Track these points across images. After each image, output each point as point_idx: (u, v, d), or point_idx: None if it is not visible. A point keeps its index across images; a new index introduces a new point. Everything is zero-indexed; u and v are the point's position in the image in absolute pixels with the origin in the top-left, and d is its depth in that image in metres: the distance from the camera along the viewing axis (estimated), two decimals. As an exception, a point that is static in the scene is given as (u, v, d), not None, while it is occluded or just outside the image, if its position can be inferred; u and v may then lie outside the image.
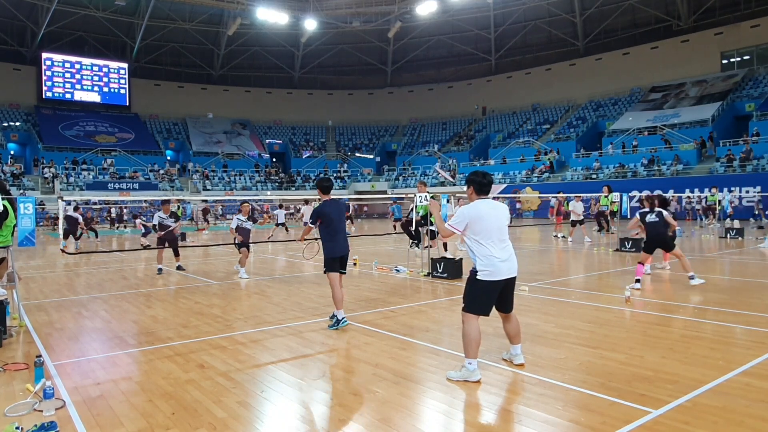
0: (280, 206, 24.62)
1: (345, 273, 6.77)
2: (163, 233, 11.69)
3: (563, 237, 18.74)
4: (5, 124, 43.55)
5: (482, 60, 52.80)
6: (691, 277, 8.86)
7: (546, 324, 6.38)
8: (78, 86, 47.47)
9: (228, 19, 47.70)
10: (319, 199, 6.80)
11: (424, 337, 5.91)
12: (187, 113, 51.91)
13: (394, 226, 13.26)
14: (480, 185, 4.62)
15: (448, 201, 12.79)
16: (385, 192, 46.84)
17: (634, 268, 11.23)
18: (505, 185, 40.60)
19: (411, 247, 13.39)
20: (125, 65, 49.13)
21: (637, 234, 12.14)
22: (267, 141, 53.54)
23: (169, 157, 48.42)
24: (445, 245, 12.89)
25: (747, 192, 28.71)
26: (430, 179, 45.44)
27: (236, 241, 11.14)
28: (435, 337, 5.94)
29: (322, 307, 7.68)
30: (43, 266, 13.54)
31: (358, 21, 48.07)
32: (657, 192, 29.32)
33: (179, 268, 11.96)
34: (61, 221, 9.70)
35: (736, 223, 20.94)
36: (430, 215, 11.47)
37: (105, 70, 48.35)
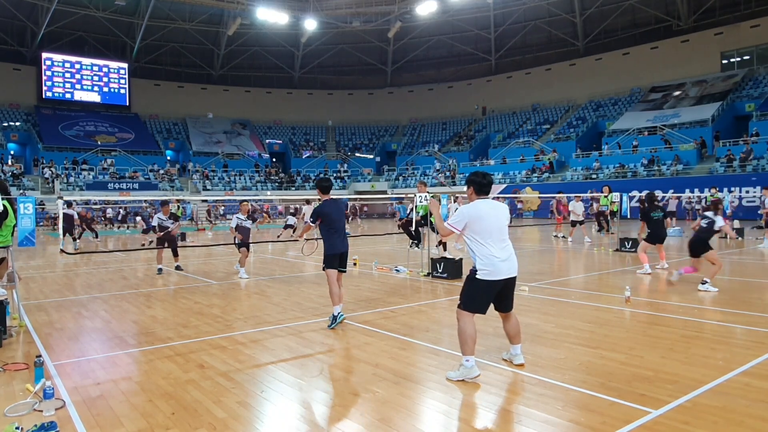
0: (292, 214, 25.50)
1: (345, 272, 6.78)
2: (161, 234, 11.74)
3: (563, 237, 18.74)
4: (5, 124, 43.53)
5: (482, 60, 52.80)
6: (680, 273, 9.14)
7: (546, 324, 6.38)
8: (78, 86, 47.45)
9: (228, 19, 47.69)
10: (320, 199, 6.83)
11: (424, 337, 5.91)
12: (187, 113, 51.91)
13: (399, 226, 13.33)
14: (480, 185, 4.65)
15: (448, 201, 12.80)
16: (385, 192, 46.84)
17: (633, 268, 11.24)
18: (505, 185, 40.60)
19: (411, 247, 13.40)
20: (125, 65, 49.11)
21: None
22: (267, 141, 53.54)
23: (169, 157, 48.40)
24: (444, 245, 12.89)
25: (747, 192, 28.71)
26: (430, 179, 45.46)
27: (236, 241, 11.14)
28: (435, 337, 5.94)
29: (322, 307, 7.68)
30: (43, 266, 13.54)
31: (358, 21, 48.06)
32: (657, 191, 29.37)
33: (178, 268, 11.97)
34: (60, 221, 9.68)
35: (736, 223, 20.93)
36: (430, 215, 11.47)
37: (105, 70, 48.33)
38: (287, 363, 5.12)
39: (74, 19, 44.95)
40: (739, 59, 40.07)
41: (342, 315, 6.43)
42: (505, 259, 4.55)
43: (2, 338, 5.77)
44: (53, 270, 12.81)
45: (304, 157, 52.56)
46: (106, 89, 48.58)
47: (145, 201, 31.28)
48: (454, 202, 14.80)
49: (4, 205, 6.06)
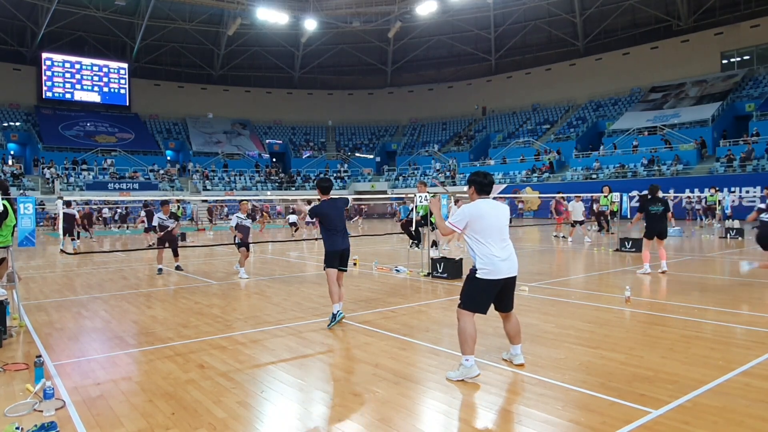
0: (293, 212, 25.47)
1: (345, 270, 6.77)
2: (162, 234, 11.73)
3: (563, 237, 18.74)
4: (5, 124, 43.53)
5: (482, 60, 52.80)
6: (752, 266, 9.34)
7: (546, 324, 6.38)
8: (78, 86, 47.44)
9: (228, 19, 47.68)
10: (320, 199, 6.84)
11: (424, 337, 5.91)
12: (187, 113, 51.91)
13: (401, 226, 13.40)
14: (481, 185, 4.68)
15: (448, 201, 12.81)
16: (385, 192, 46.85)
17: (633, 268, 11.24)
18: (505, 185, 40.59)
19: (411, 247, 13.40)
20: (125, 65, 49.11)
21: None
22: (267, 141, 53.54)
23: (169, 157, 48.41)
24: (434, 243, 12.87)
25: (747, 192, 28.72)
26: (429, 180, 45.46)
27: (236, 240, 11.14)
28: (435, 337, 5.94)
29: (322, 307, 7.68)
30: (43, 266, 13.54)
31: (358, 21, 48.06)
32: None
33: (178, 268, 11.97)
34: (60, 221, 9.69)
35: (736, 223, 20.93)
36: (431, 214, 11.47)
37: (105, 70, 48.33)
38: (287, 363, 5.12)
39: (74, 19, 44.95)
40: (739, 59, 40.07)
41: (341, 314, 6.44)
42: (505, 258, 4.56)
43: (2, 338, 5.77)
44: (53, 270, 12.81)
45: (304, 157, 52.57)
46: (106, 89, 48.57)
47: (145, 201, 31.26)
48: (455, 203, 14.78)
49: (4, 205, 6.06)
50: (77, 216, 19.26)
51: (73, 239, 18.67)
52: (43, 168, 40.35)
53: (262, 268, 12.70)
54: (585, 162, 38.87)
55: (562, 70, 48.17)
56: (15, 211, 6.54)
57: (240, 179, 47.22)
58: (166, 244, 11.82)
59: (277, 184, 47.89)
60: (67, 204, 18.69)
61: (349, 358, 5.23)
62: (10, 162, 39.83)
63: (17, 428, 3.51)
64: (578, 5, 45.55)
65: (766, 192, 16.95)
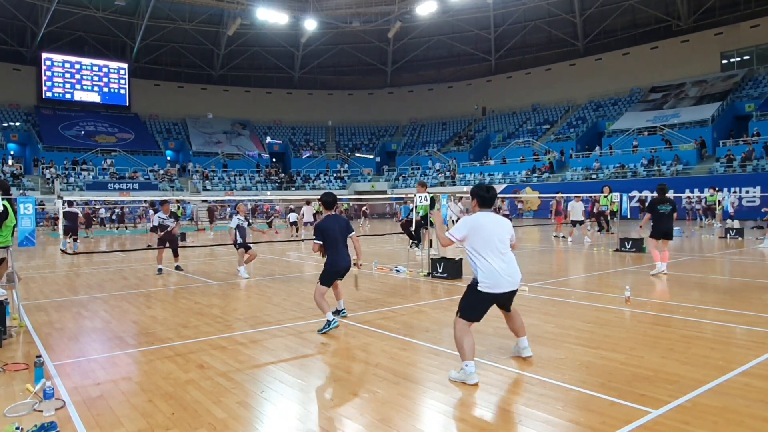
0: (291, 210, 25.50)
1: (341, 279, 6.73)
2: (162, 233, 11.71)
3: (563, 237, 18.74)
4: (5, 124, 43.54)
5: (482, 60, 52.80)
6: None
7: (546, 324, 6.38)
8: (78, 86, 47.45)
9: (228, 19, 47.68)
10: (321, 212, 6.85)
11: (424, 337, 5.91)
12: (187, 113, 51.91)
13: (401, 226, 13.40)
14: (483, 199, 4.75)
15: (447, 200, 12.80)
16: (384, 192, 46.86)
17: (633, 268, 11.25)
18: (505, 185, 40.59)
19: (411, 247, 13.40)
20: (125, 65, 49.12)
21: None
22: (267, 141, 53.54)
23: (169, 157, 48.41)
24: (418, 241, 12.86)
25: (747, 192, 28.72)
26: (429, 180, 45.45)
27: (238, 240, 11.19)
28: (435, 337, 5.94)
29: (322, 307, 7.68)
30: (43, 266, 13.54)
31: (358, 21, 48.06)
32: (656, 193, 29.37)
33: (178, 268, 11.95)
34: (60, 221, 9.70)
35: (736, 223, 20.94)
36: (431, 222, 11.48)
37: (105, 70, 48.33)
38: (287, 363, 5.12)
39: (74, 19, 44.95)
40: (739, 59, 40.08)
41: (336, 322, 6.21)
42: (507, 272, 4.59)
43: (2, 338, 5.77)
44: (53, 270, 12.81)
45: (304, 157, 52.57)
46: (106, 89, 48.58)
47: (145, 201, 31.29)
48: (458, 203, 14.78)
49: (4, 206, 6.05)
50: (80, 215, 19.15)
51: (75, 239, 18.57)
52: (43, 168, 40.35)
53: (262, 268, 12.70)
54: (585, 162, 38.87)
55: (562, 70, 48.18)
56: (15, 211, 6.54)
57: (240, 179, 47.22)
58: (166, 245, 11.81)
59: (276, 185, 47.89)
60: (69, 203, 18.69)
61: (349, 358, 5.23)
62: (10, 162, 39.81)
63: (17, 428, 3.51)
64: (578, 5, 45.55)
65: None
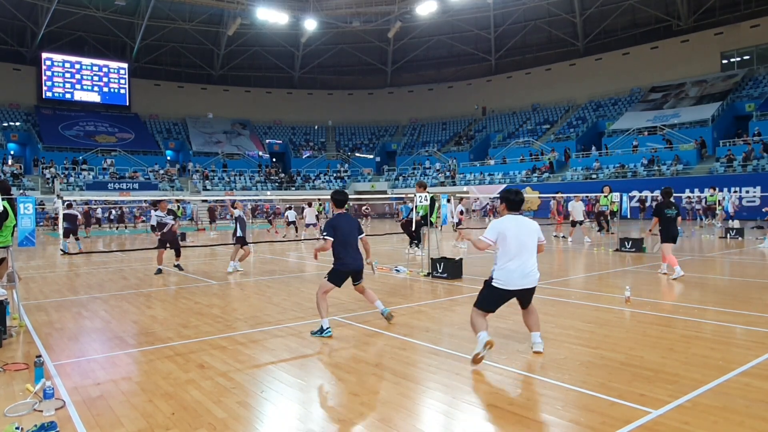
0: (289, 208, 25.23)
1: (360, 282, 6.49)
2: (162, 232, 11.64)
3: (563, 237, 18.74)
4: (5, 124, 43.54)
5: (482, 60, 52.80)
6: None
7: (546, 324, 6.38)
8: (78, 86, 47.45)
9: (228, 19, 47.69)
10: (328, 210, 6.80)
11: (424, 337, 5.91)
12: (187, 113, 51.91)
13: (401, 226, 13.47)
14: (511, 202, 5.13)
15: (448, 201, 12.80)
16: (385, 192, 46.85)
17: (633, 268, 11.25)
18: (505, 185, 40.58)
19: (411, 246, 13.40)
20: (125, 65, 49.12)
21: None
22: (267, 141, 53.54)
23: (169, 157, 48.40)
24: (418, 241, 12.84)
25: (747, 192, 28.72)
26: (429, 180, 45.47)
27: (238, 233, 11.73)
28: (435, 337, 5.94)
29: (322, 307, 7.68)
30: (43, 266, 13.54)
31: (358, 21, 48.06)
32: (657, 192, 29.36)
33: (177, 267, 11.90)
34: (60, 221, 9.71)
35: (736, 223, 20.94)
36: (431, 214, 11.49)
37: (105, 70, 48.33)
38: (287, 363, 5.12)
39: (74, 19, 44.95)
40: (739, 59, 40.07)
41: (329, 331, 6.03)
42: (521, 272, 4.93)
43: (2, 338, 5.77)
44: (53, 270, 12.81)
45: (304, 157, 52.58)
46: (106, 89, 48.58)
47: (145, 201, 31.29)
48: (459, 204, 14.79)
49: (4, 206, 6.05)
50: (80, 216, 19.15)
51: (78, 239, 18.58)
52: (43, 168, 40.34)
53: (262, 268, 12.70)
54: (585, 162, 38.87)
55: (562, 70, 48.17)
56: (15, 211, 6.54)
57: (240, 179, 47.23)
58: (167, 245, 11.75)
59: (276, 184, 47.89)
60: (69, 205, 18.70)
61: (349, 358, 5.23)
62: (10, 162, 39.81)
63: (17, 428, 3.51)
64: (578, 5, 45.55)
65: None
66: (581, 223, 17.97)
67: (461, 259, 10.48)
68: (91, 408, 4.00)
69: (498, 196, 36.85)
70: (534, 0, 45.67)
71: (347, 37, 51.92)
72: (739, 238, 17.83)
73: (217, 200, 34.10)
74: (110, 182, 40.40)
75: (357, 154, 53.78)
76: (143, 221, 31.79)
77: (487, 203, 40.11)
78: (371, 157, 53.68)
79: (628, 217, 20.24)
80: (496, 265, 5.01)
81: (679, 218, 10.37)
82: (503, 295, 5.00)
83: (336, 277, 6.23)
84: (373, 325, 6.51)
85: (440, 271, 10.22)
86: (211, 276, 11.29)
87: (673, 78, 41.56)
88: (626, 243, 14.51)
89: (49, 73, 45.94)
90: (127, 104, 49.56)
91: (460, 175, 45.71)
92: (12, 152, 42.66)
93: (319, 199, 35.28)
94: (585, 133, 42.91)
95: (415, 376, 4.69)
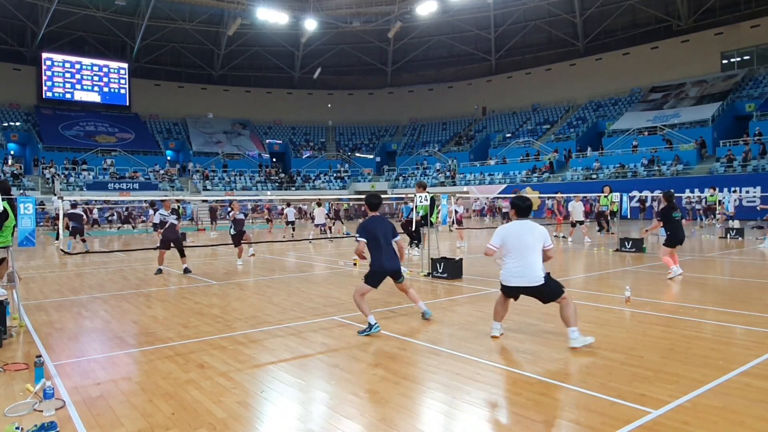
0: (288, 205, 24.59)
1: (402, 281, 6.55)
2: (165, 231, 11.58)
3: (563, 237, 18.74)
4: (5, 124, 43.53)
5: (482, 60, 52.80)
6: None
7: (546, 324, 6.38)
8: (78, 86, 47.44)
9: (228, 19, 47.68)
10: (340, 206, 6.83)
11: (424, 337, 5.91)
12: (187, 113, 51.90)
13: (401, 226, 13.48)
14: (519, 208, 5.64)
15: (447, 201, 12.80)
16: (385, 192, 46.84)
17: (633, 268, 11.25)
18: (505, 185, 40.59)
19: (411, 246, 13.40)
20: (125, 65, 49.11)
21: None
22: (267, 141, 53.54)
23: (169, 157, 48.38)
24: (418, 241, 12.86)
25: (747, 192, 28.71)
26: (429, 180, 45.47)
27: (233, 232, 13.01)
28: (435, 337, 5.94)
29: (322, 307, 7.69)
30: (43, 266, 13.54)
31: (358, 21, 48.06)
32: (657, 192, 29.37)
33: (186, 270, 11.53)
34: (61, 221, 9.71)
35: (736, 223, 20.93)
36: (430, 214, 11.49)
37: (105, 70, 48.32)
38: (287, 363, 5.12)
39: (74, 19, 44.94)
40: (739, 59, 40.07)
41: (377, 326, 6.07)
42: (518, 271, 5.41)
43: (2, 338, 5.77)
44: (53, 270, 12.81)
45: (304, 157, 52.58)
46: (106, 89, 48.57)
47: (145, 201, 31.28)
48: (457, 202, 14.83)
49: (4, 206, 6.05)
50: (84, 217, 19.06)
51: (84, 240, 18.52)
52: (43, 168, 40.33)
53: (262, 268, 12.70)
54: (585, 162, 38.86)
55: (562, 70, 48.17)
56: (15, 212, 6.54)
57: (240, 179, 47.22)
58: (171, 245, 11.65)
59: (277, 184, 47.89)
60: (73, 205, 18.72)
61: (349, 358, 5.23)
62: (10, 162, 39.81)
63: (17, 428, 3.51)
64: (578, 5, 45.55)
65: None
66: (581, 223, 17.98)
67: (461, 259, 10.48)
68: (91, 408, 4.00)
69: (497, 196, 36.77)
70: (534, 0, 45.67)
71: (347, 37, 51.93)
72: (739, 238, 17.83)
73: (216, 200, 34.12)
74: (110, 182, 40.39)
75: (357, 154, 53.79)
76: (143, 221, 31.75)
77: (485, 204, 40.15)
78: (371, 157, 53.69)
79: (628, 217, 20.22)
80: (503, 265, 5.56)
81: (684, 221, 10.31)
82: (509, 290, 5.55)
83: (372, 279, 6.30)
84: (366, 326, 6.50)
85: (440, 271, 10.22)
86: (212, 276, 11.30)
87: (673, 78, 41.56)
88: (626, 243, 14.51)
89: (49, 73, 45.92)
90: (127, 104, 49.55)
91: (460, 175, 45.71)
92: (12, 152, 42.64)
93: (318, 199, 35.27)
94: (585, 133, 42.91)
95: (415, 376, 4.69)
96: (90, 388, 4.46)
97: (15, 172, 38.27)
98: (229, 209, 12.92)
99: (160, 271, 11.56)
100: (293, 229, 23.66)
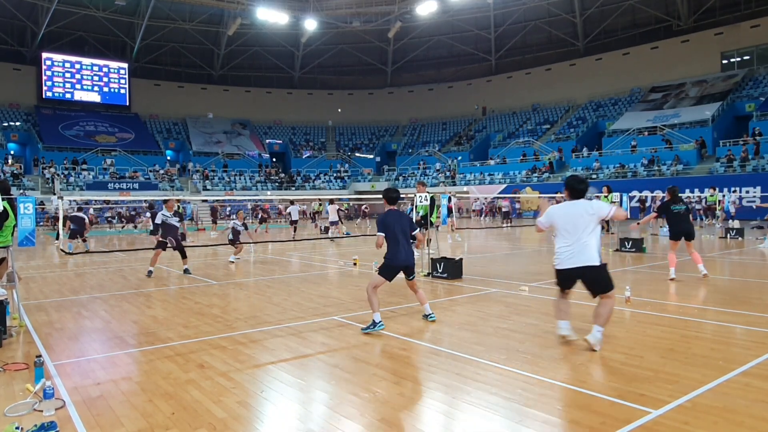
0: (292, 203, 23.93)
1: (413, 278, 6.53)
2: (166, 232, 11.24)
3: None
4: (5, 124, 43.52)
5: (482, 60, 52.80)
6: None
7: (546, 324, 6.38)
8: (78, 86, 47.43)
9: (228, 19, 47.68)
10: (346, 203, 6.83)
11: (424, 337, 5.91)
12: (187, 113, 51.90)
13: None
14: (573, 190, 5.38)
15: (449, 200, 12.81)
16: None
17: (633, 268, 11.24)
18: (505, 185, 40.60)
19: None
20: (125, 65, 49.11)
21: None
22: (267, 141, 53.54)
23: (169, 157, 48.37)
24: (428, 241, 12.88)
25: (747, 192, 28.71)
26: (429, 180, 45.47)
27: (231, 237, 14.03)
28: (435, 337, 5.94)
29: (322, 307, 7.69)
30: (43, 266, 13.54)
31: (358, 21, 48.06)
32: (657, 192, 29.37)
33: (186, 271, 11.41)
34: (61, 221, 9.72)
35: (736, 223, 20.94)
36: (430, 214, 11.49)
37: (105, 70, 48.32)
38: (287, 363, 5.12)
39: (74, 19, 44.94)
40: (739, 59, 40.07)
41: (382, 324, 6.12)
42: (570, 252, 5.23)
43: (2, 338, 5.77)
44: (53, 270, 12.82)
45: (304, 157, 52.58)
46: (106, 89, 48.57)
47: (145, 201, 31.28)
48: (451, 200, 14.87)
49: (4, 206, 6.05)
50: (87, 220, 18.99)
51: (85, 240, 18.50)
52: (43, 168, 40.33)
53: (262, 268, 12.71)
54: (585, 162, 38.87)
55: (562, 70, 48.18)
56: (15, 212, 6.54)
57: (240, 179, 47.23)
58: (165, 247, 11.30)
59: (277, 184, 47.90)
60: (79, 208, 18.74)
61: (349, 358, 5.23)
62: (10, 162, 39.81)
63: (17, 428, 3.52)
64: (578, 5, 45.55)
65: None
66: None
67: (461, 259, 10.48)
68: (91, 408, 4.00)
69: (497, 196, 36.71)
70: (534, 0, 45.67)
71: (347, 37, 51.92)
72: (739, 238, 17.83)
73: (216, 200, 34.14)
74: (110, 182, 40.39)
75: (357, 154, 53.79)
76: (141, 221, 31.71)
77: (483, 204, 40.17)
78: (371, 157, 53.69)
79: (629, 217, 20.09)
80: (556, 248, 5.39)
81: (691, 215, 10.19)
82: (563, 274, 5.35)
83: (386, 272, 6.35)
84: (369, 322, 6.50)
85: (440, 271, 10.22)
86: (212, 276, 11.29)
87: (673, 78, 41.57)
88: (626, 243, 14.51)
89: (49, 73, 45.92)
90: (127, 104, 49.55)
91: (460, 175, 45.71)
92: (12, 152, 42.63)
93: (319, 199, 35.24)
94: (585, 133, 42.91)
95: (415, 376, 4.69)
96: (90, 388, 4.46)
97: (15, 172, 38.27)
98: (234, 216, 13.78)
99: (150, 273, 11.06)
100: (294, 230, 23.45)
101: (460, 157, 48.12)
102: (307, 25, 46.63)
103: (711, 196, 23.76)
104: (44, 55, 45.44)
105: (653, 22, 43.80)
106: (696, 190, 26.55)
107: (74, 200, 20.66)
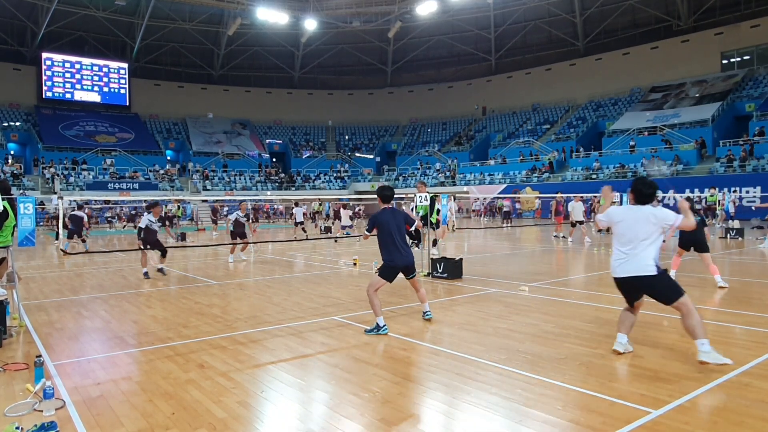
0: (296, 204, 23.59)
1: (414, 276, 6.49)
2: (145, 234, 11.21)
3: (563, 237, 18.74)
4: (5, 124, 43.52)
5: (482, 60, 52.80)
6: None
7: (546, 324, 6.38)
8: (78, 86, 47.43)
9: (228, 19, 47.68)
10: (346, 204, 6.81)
11: (424, 337, 5.91)
12: (187, 113, 51.90)
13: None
14: (640, 194, 5.04)
15: (448, 201, 12.82)
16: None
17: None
18: (504, 185, 40.59)
19: (410, 246, 13.40)
20: (125, 65, 49.11)
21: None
22: (267, 141, 53.54)
23: (169, 157, 48.39)
24: (434, 241, 12.90)
25: (747, 192, 28.71)
26: (429, 180, 45.47)
27: (231, 228, 13.87)
28: (435, 337, 5.94)
29: (322, 307, 7.69)
30: (43, 266, 13.54)
31: (358, 21, 48.06)
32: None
33: (160, 270, 11.44)
34: (60, 220, 9.72)
35: (736, 223, 20.94)
36: (430, 214, 11.49)
37: (105, 70, 48.32)
38: (287, 363, 5.12)
39: (74, 19, 44.94)
40: (739, 59, 40.06)
41: (386, 328, 6.07)
42: (623, 261, 4.95)
43: (2, 338, 5.77)
44: (53, 270, 12.81)
45: (304, 157, 52.58)
46: (106, 89, 48.57)
47: (145, 201, 31.29)
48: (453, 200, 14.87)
49: (4, 206, 6.05)
50: (85, 219, 19.05)
51: (84, 240, 18.51)
52: (43, 168, 40.33)
53: (262, 268, 12.70)
54: (585, 162, 38.86)
55: (562, 70, 48.17)
56: (15, 212, 6.54)
57: (240, 179, 47.23)
58: (149, 247, 11.23)
59: (277, 185, 47.90)
60: (79, 207, 18.68)
61: (349, 358, 5.23)
62: (10, 162, 39.81)
63: (17, 428, 3.51)
64: (578, 5, 45.55)
65: None
66: (581, 223, 17.98)
67: (461, 259, 10.48)
68: (91, 408, 4.00)
69: (497, 196, 36.68)
70: (534, 0, 45.67)
71: (347, 37, 51.92)
72: (739, 238, 17.83)
73: (217, 200, 34.14)
74: (110, 182, 40.39)
75: (357, 154, 53.78)
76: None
77: (482, 205, 40.16)
78: (371, 157, 53.69)
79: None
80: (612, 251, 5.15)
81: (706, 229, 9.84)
82: (617, 284, 5.09)
83: (386, 273, 6.28)
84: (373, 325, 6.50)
85: (440, 271, 10.22)
86: (211, 276, 11.29)
87: (673, 78, 41.55)
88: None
89: (49, 73, 45.92)
90: (127, 104, 49.55)
91: (460, 175, 45.71)
92: (12, 152, 42.64)
93: (319, 199, 35.25)
94: (585, 133, 42.90)
95: (415, 376, 4.69)
96: (90, 388, 4.46)
97: (15, 172, 38.26)
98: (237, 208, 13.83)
99: (146, 275, 11.05)
100: (303, 230, 23.32)
101: (456, 158, 48.10)
102: (307, 25, 46.62)
103: (711, 196, 23.76)
104: (44, 55, 45.44)
105: (653, 22, 43.79)
106: (696, 190, 26.53)
107: (74, 200, 20.64)
